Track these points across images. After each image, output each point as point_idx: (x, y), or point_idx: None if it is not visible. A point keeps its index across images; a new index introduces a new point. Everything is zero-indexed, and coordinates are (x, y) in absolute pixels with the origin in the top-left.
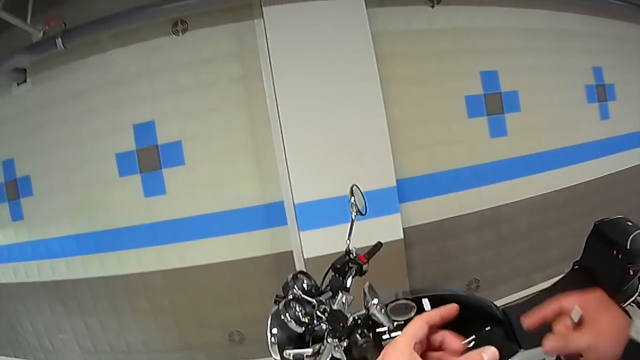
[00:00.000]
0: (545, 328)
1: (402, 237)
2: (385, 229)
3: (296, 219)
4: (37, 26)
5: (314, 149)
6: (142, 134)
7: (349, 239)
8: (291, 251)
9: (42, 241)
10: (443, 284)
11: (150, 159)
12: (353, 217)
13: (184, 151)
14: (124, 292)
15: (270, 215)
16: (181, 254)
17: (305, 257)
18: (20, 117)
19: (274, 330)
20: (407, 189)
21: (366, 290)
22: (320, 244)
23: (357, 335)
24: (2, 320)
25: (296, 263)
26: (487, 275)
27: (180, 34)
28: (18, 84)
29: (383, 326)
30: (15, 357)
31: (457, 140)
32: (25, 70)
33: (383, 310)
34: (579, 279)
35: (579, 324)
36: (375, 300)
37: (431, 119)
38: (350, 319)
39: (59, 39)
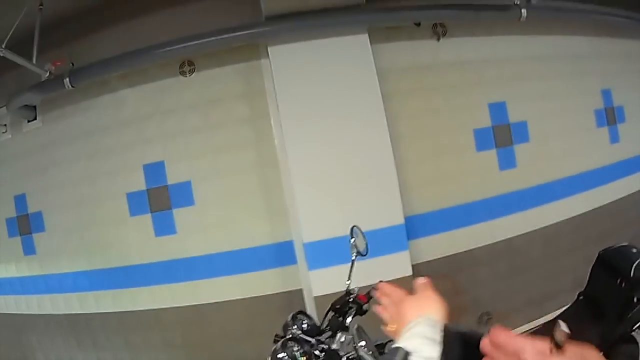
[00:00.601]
0: None
1: (411, 273)
2: (394, 266)
3: (305, 258)
4: (43, 66)
5: (322, 188)
6: (152, 174)
7: (349, 279)
8: (302, 289)
9: (55, 275)
10: (453, 319)
11: (160, 198)
12: (353, 258)
13: (194, 191)
14: (137, 327)
15: (281, 254)
16: (194, 291)
17: (314, 295)
18: (32, 153)
19: None
20: (417, 226)
21: (354, 332)
22: (329, 282)
23: None
24: (16, 351)
25: (306, 301)
26: (499, 307)
27: (188, 75)
28: (28, 121)
29: None
30: None
31: (466, 174)
32: (35, 107)
33: (370, 352)
34: (583, 309)
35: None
36: (363, 343)
37: (440, 154)
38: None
39: (67, 78)
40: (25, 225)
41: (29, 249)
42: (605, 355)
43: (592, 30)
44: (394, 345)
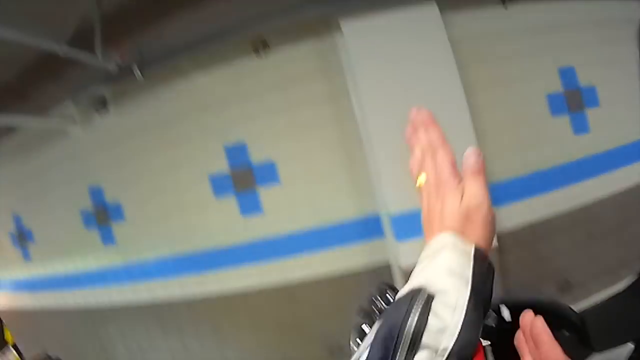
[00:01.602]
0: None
1: (497, 244)
2: None
3: (392, 230)
4: (109, 59)
5: (405, 160)
6: (235, 155)
7: None
8: (389, 264)
9: (137, 264)
10: (535, 288)
11: (244, 179)
12: None
13: (278, 170)
14: (225, 311)
15: (368, 227)
16: (281, 270)
17: (402, 266)
18: (105, 145)
19: (356, 341)
20: (496, 193)
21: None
22: (417, 253)
23: None
24: (95, 344)
25: (395, 273)
26: (577, 274)
27: (263, 56)
28: (99, 114)
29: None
30: None
31: (542, 140)
32: (105, 98)
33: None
34: None
35: None
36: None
37: (516, 121)
38: None
39: (136, 68)
40: (103, 215)
41: (107, 239)
42: None
43: None
44: (410, 286)
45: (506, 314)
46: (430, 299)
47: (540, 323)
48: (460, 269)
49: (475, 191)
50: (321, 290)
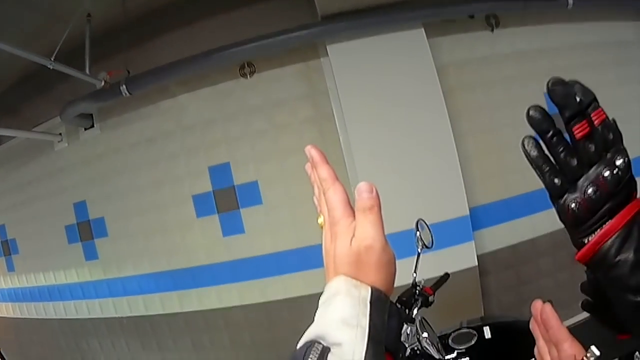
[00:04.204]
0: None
1: (477, 264)
2: (460, 257)
3: None
4: (97, 75)
5: (388, 184)
6: (219, 175)
7: (415, 271)
8: None
9: (120, 279)
10: (517, 309)
11: (227, 199)
12: (419, 251)
13: (261, 191)
14: (205, 327)
15: None
16: (262, 289)
17: None
18: (90, 161)
19: None
20: (480, 217)
21: (417, 325)
22: (396, 275)
23: None
24: (75, 356)
25: None
26: (561, 296)
27: (249, 77)
28: (85, 129)
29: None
30: None
31: (527, 164)
32: (91, 115)
33: (433, 343)
34: None
35: None
36: (425, 334)
37: (502, 147)
38: (409, 350)
39: (124, 86)
40: (87, 231)
41: (91, 255)
42: None
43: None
44: (306, 338)
45: (488, 334)
46: (325, 352)
47: (548, 309)
48: (355, 319)
49: (365, 232)
50: (301, 310)
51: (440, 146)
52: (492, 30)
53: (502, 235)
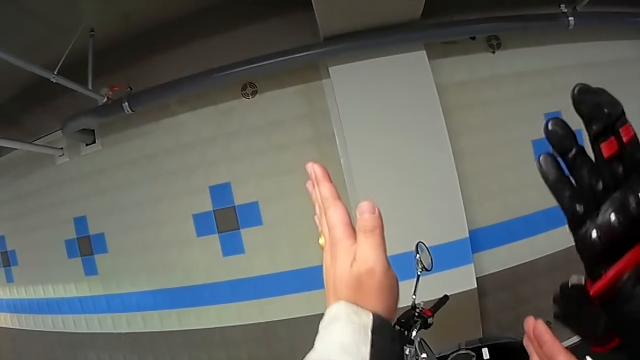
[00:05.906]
0: None
1: (476, 286)
2: (459, 279)
3: None
4: (99, 91)
5: (388, 205)
6: (219, 195)
7: (414, 294)
8: None
9: (118, 295)
10: (516, 329)
11: (227, 219)
12: (418, 273)
13: (261, 211)
14: (203, 345)
15: None
16: (261, 309)
17: None
18: (91, 176)
19: None
20: (480, 239)
21: (416, 346)
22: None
23: None
24: None
25: None
26: None
27: (250, 97)
28: (87, 145)
29: None
30: None
31: (526, 185)
32: (93, 131)
33: None
34: None
35: None
36: (424, 355)
37: (501, 167)
38: None
39: (126, 103)
40: (87, 246)
41: (90, 270)
42: None
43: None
44: None
45: (486, 355)
46: None
47: (541, 325)
48: (355, 347)
49: (366, 254)
50: (299, 330)
51: (441, 168)
52: (494, 52)
53: (501, 258)
